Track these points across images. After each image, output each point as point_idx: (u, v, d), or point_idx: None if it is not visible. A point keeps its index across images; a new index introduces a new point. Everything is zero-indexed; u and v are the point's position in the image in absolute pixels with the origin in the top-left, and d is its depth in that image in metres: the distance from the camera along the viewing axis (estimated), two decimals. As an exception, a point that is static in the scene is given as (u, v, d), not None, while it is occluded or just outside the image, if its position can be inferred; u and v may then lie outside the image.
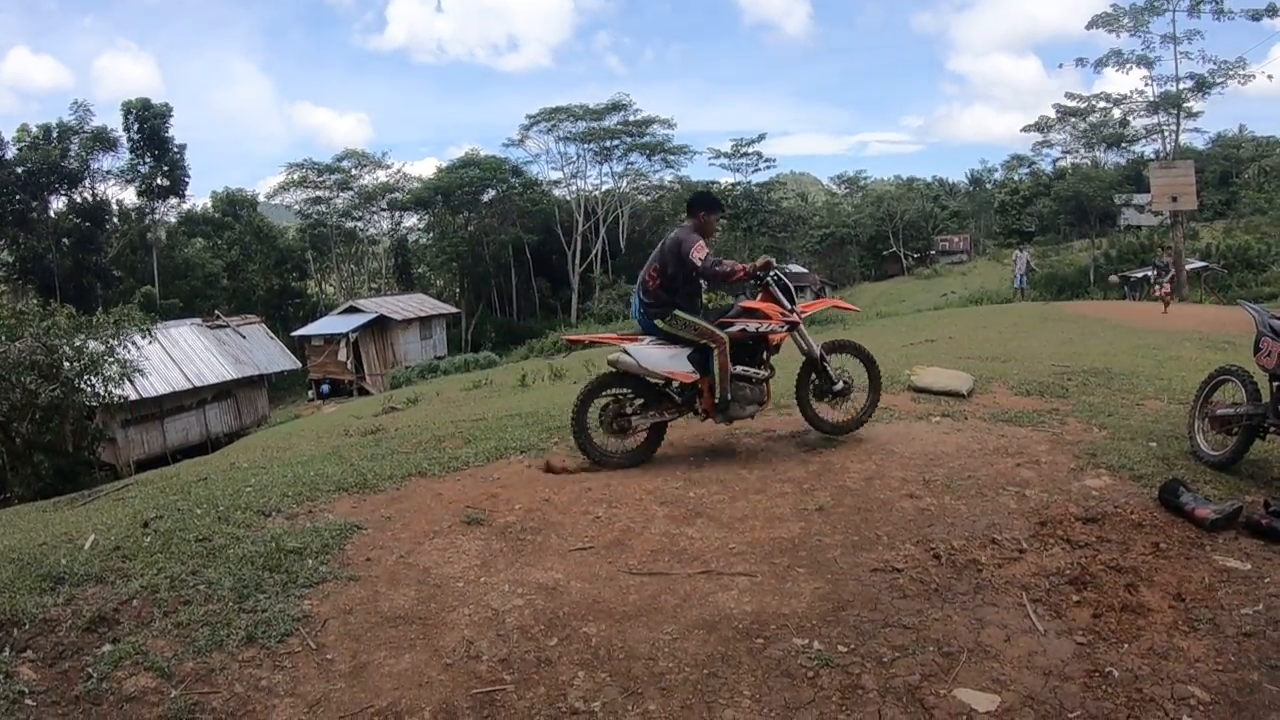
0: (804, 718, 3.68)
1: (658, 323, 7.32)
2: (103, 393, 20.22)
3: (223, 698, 3.82)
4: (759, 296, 7.49)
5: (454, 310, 60.27)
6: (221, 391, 36.63)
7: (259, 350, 40.22)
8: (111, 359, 20.15)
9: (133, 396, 26.56)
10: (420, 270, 76.73)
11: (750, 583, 4.94)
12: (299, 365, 44.49)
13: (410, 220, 76.16)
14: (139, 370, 21.53)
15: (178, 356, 34.79)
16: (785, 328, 7.38)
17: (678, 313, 7.21)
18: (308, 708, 3.79)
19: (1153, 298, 28.89)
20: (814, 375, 7.62)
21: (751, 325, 7.31)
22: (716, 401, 7.27)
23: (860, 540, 5.50)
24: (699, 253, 7.00)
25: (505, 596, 4.81)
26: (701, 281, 7.31)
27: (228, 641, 4.23)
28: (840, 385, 7.59)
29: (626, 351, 7.28)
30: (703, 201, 7.60)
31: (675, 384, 7.37)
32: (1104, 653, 4.15)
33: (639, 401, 7.44)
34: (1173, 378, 10.65)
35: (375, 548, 5.50)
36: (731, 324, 7.30)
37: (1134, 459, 6.87)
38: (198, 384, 34.83)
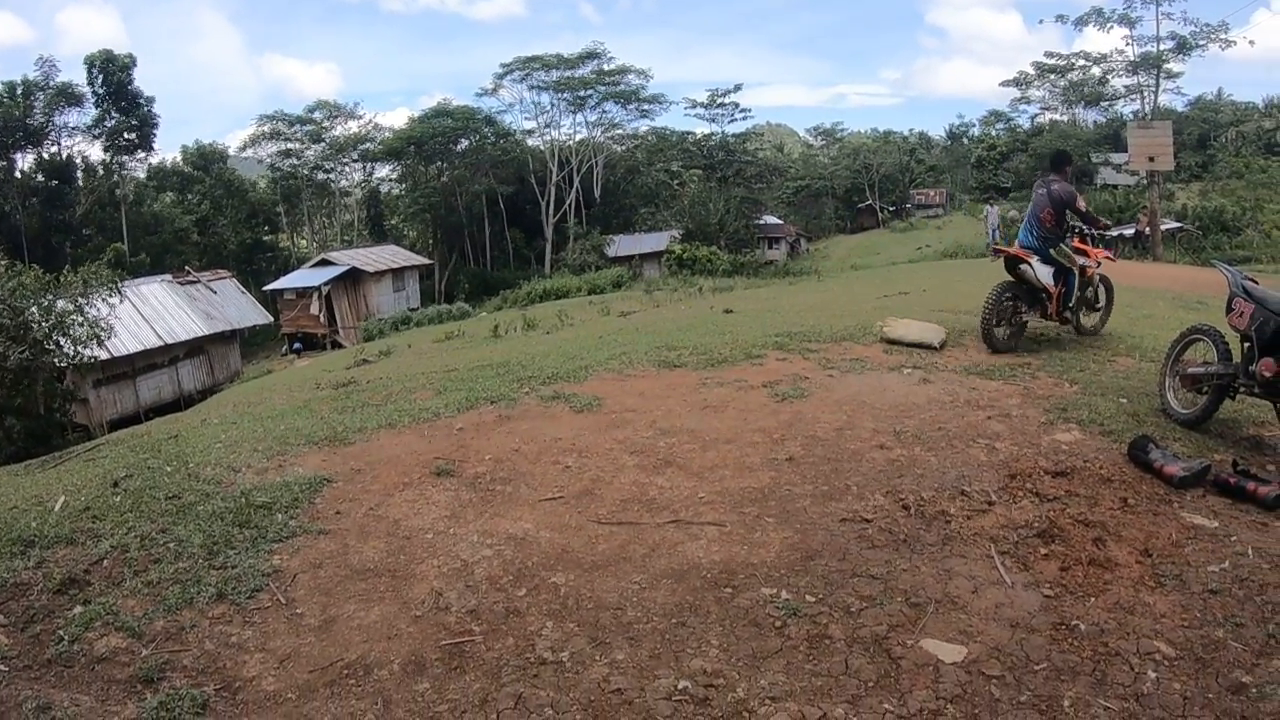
0: (771, 667, 3.69)
1: (1051, 251, 9.67)
2: (72, 353, 19.95)
3: (193, 655, 3.82)
4: (1081, 241, 10.05)
5: (427, 262, 59.63)
6: (194, 348, 36.14)
7: (231, 305, 39.76)
8: (80, 319, 19.88)
9: (104, 356, 26.24)
10: (393, 222, 75.82)
11: (719, 532, 4.95)
12: (271, 320, 44.02)
13: (383, 171, 75.43)
14: (108, 329, 21.22)
15: (148, 314, 34.26)
16: (1097, 264, 9.97)
17: (1062, 245, 9.70)
18: (278, 662, 3.79)
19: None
20: (1088, 289, 10.20)
21: (1086, 260, 9.82)
22: (1066, 309, 9.78)
23: (830, 490, 5.51)
24: (1082, 203, 9.70)
25: (474, 547, 4.81)
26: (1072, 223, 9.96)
27: (198, 599, 4.22)
28: (1100, 302, 10.46)
29: (1030, 265, 9.59)
30: (1067, 159, 10.54)
31: (1045, 293, 9.60)
32: (1070, 606, 4.19)
33: (1021, 304, 9.69)
34: (1144, 335, 10.70)
35: (345, 500, 5.48)
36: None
37: (1104, 415, 6.92)
38: (169, 341, 34.28)
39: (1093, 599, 4.26)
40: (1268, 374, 5.99)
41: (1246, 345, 6.39)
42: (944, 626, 3.99)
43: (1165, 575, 4.48)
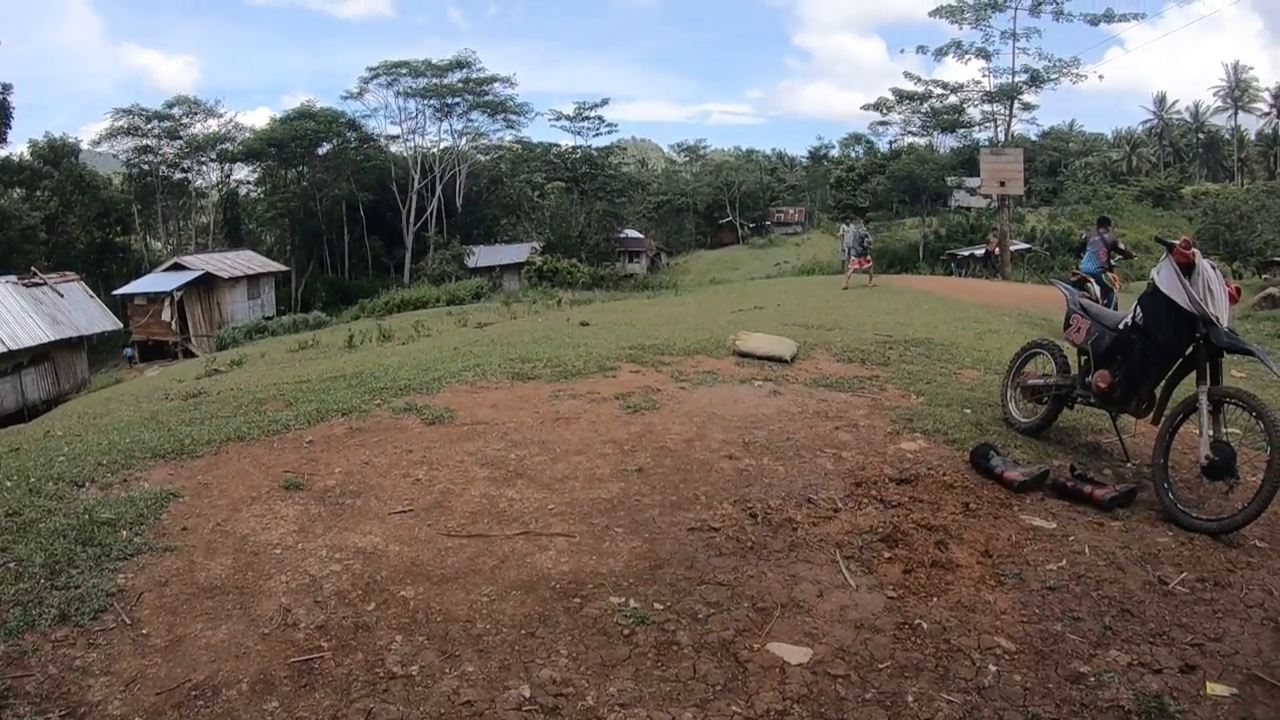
0: (620, 675, 3.74)
1: (1104, 275, 16.49)
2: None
3: (36, 680, 3.66)
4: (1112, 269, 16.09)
5: (284, 268, 58.10)
6: (38, 355, 34.40)
7: (78, 310, 38.05)
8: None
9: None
10: (250, 227, 73.67)
11: (568, 543, 4.98)
12: (120, 326, 42.24)
13: (241, 173, 73.42)
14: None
15: (-10, 318, 32.75)
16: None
17: (1106, 273, 16.80)
18: (124, 685, 3.67)
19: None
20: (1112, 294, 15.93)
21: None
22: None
23: (679, 500, 5.59)
24: (1122, 244, 17.07)
25: (323, 562, 4.73)
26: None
27: (40, 621, 4.04)
28: None
29: (1090, 281, 16.06)
30: (1108, 221, 16.46)
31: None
32: (914, 606, 4.33)
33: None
34: (990, 349, 11.17)
35: (191, 516, 5.33)
36: None
37: (948, 424, 7.21)
38: (12, 347, 32.51)
39: (935, 599, 4.42)
40: (1103, 385, 6.34)
41: (1084, 359, 6.78)
42: (790, 630, 4.09)
43: (1005, 574, 4.69)
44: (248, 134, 68.81)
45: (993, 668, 3.82)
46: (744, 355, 9.84)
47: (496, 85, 69.92)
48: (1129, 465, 6.63)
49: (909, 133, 76.90)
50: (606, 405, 7.83)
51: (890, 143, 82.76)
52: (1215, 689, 3.69)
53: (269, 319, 46.29)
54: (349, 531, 5.15)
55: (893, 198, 77.44)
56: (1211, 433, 5.56)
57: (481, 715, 3.49)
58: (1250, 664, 3.88)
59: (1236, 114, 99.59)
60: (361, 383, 9.13)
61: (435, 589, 4.47)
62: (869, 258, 28.54)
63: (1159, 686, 3.68)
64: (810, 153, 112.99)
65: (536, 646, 3.95)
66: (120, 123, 65.39)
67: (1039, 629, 4.14)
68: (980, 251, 50.44)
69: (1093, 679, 3.74)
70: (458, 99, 68.94)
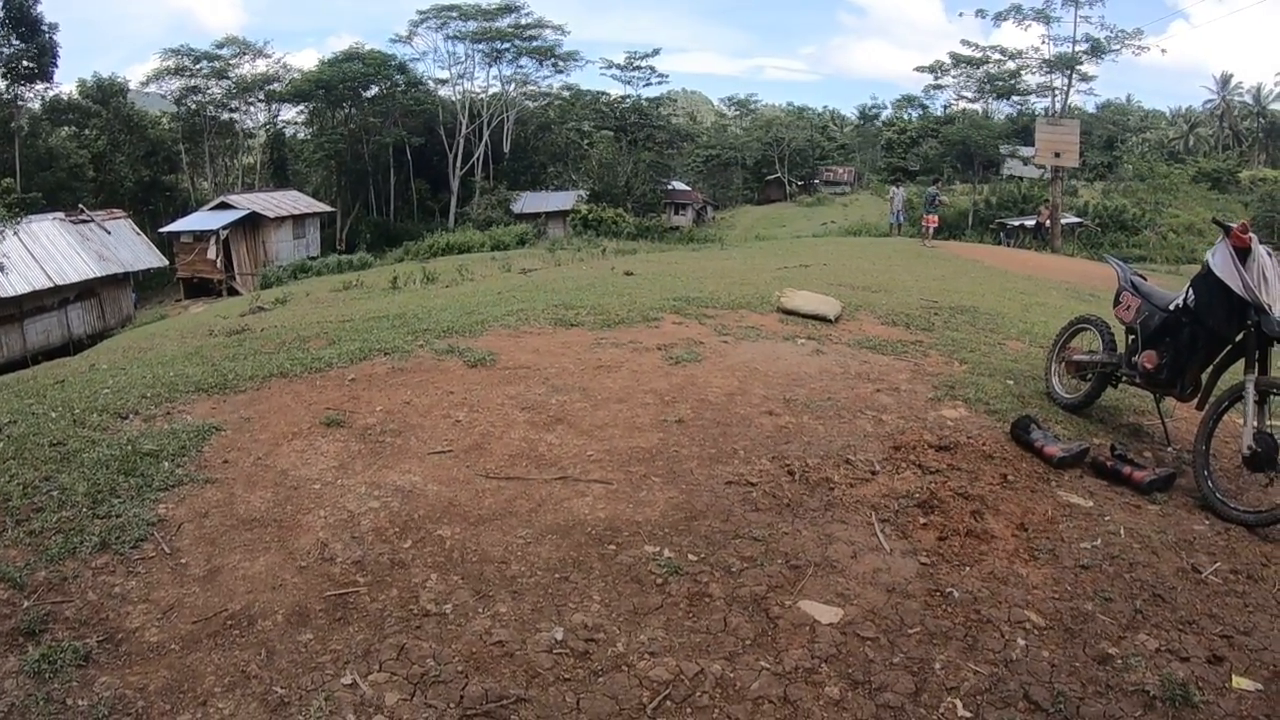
0: (651, 623, 3.76)
1: None
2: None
3: (75, 606, 3.74)
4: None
5: (329, 209, 58.09)
6: (85, 290, 34.83)
7: (124, 247, 38.37)
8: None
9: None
10: (297, 167, 73.32)
11: (605, 490, 5.00)
12: (166, 263, 42.50)
13: (289, 114, 72.99)
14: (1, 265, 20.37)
15: (39, 254, 32.74)
16: None
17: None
18: (161, 613, 3.73)
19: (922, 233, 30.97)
20: None
21: None
22: None
23: (717, 453, 5.58)
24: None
25: (361, 499, 4.78)
26: None
27: (81, 548, 4.12)
28: None
29: None
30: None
31: None
32: (946, 574, 4.31)
33: None
34: (1036, 322, 11.03)
35: (233, 449, 5.40)
36: None
37: (990, 394, 7.12)
38: (59, 283, 32.88)
39: (968, 568, 4.39)
40: (1149, 366, 6.22)
41: (1131, 337, 6.62)
42: (822, 589, 4.09)
43: (1039, 549, 4.64)
44: (296, 75, 68.50)
45: (1021, 641, 3.81)
46: (788, 312, 9.78)
47: (546, 31, 69.41)
48: (1170, 449, 6.52)
49: (963, 97, 75.73)
50: (649, 355, 7.82)
51: (944, 107, 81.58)
52: (1241, 682, 3.65)
53: (314, 259, 46.27)
54: (388, 469, 5.19)
55: (944, 163, 76.48)
56: (1256, 423, 5.42)
57: (513, 655, 3.52)
58: (1278, 660, 3.83)
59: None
60: (404, 323, 9.16)
61: (471, 529, 4.50)
62: (936, 218, 28.89)
63: (1185, 675, 3.64)
64: (861, 112, 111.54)
65: (570, 591, 3.97)
66: (169, 63, 65.20)
67: (1069, 606, 4.11)
68: (1031, 222, 49.77)
69: (1120, 661, 3.72)
70: (507, 44, 68.43)
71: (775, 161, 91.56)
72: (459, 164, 66.44)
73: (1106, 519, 5.07)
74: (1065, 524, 4.97)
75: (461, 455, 5.44)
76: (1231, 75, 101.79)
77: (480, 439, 5.69)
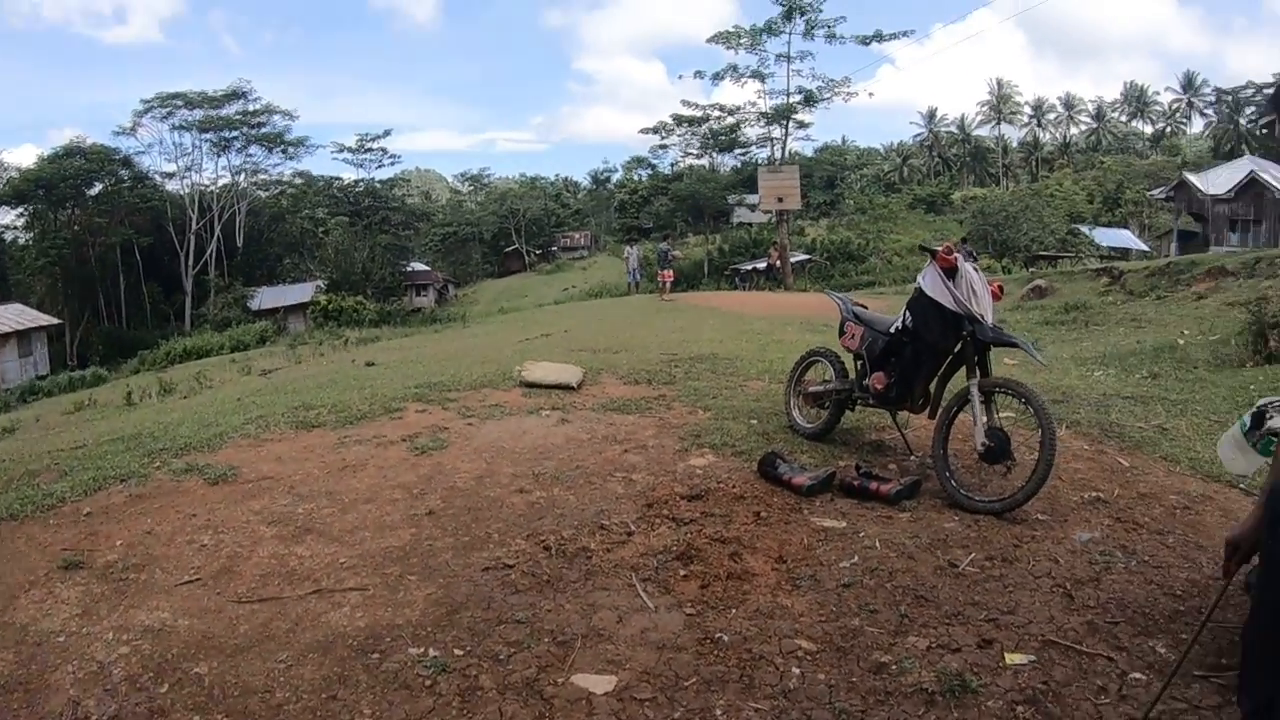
0: (424, 728, 3.67)
1: None
2: None
3: None
4: None
5: (56, 321, 54.54)
6: None
7: None
8: None
9: None
10: (19, 276, 68.60)
11: (362, 597, 4.86)
12: None
13: (7, 217, 68.65)
14: None
15: None
16: None
17: None
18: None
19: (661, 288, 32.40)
20: None
21: None
22: None
23: (471, 540, 5.52)
24: None
25: (110, 646, 4.44)
26: None
27: None
28: None
29: None
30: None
31: None
32: (713, 620, 4.40)
33: None
34: (774, 360, 11.50)
35: (-37, 612, 4.97)
36: None
37: (735, 436, 7.39)
38: None
39: (734, 610, 4.50)
40: (879, 386, 6.72)
41: (860, 363, 7.13)
42: (593, 659, 4.09)
43: (800, 577, 4.82)
44: (13, 174, 64.64)
45: (796, 670, 3.92)
46: (531, 385, 9.80)
47: (275, 117, 68.34)
48: (913, 458, 6.97)
49: (689, 154, 79.18)
50: (394, 448, 7.65)
51: (672, 165, 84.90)
52: (1014, 658, 3.90)
53: (43, 378, 43.65)
54: (135, 609, 4.85)
55: (676, 218, 79.30)
56: (985, 420, 5.97)
57: (285, 789, 3.39)
58: (1044, 630, 4.12)
59: (1000, 125, 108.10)
60: (140, 444, 8.63)
61: (230, 661, 4.26)
62: (670, 272, 30.02)
63: (959, 665, 3.85)
64: (593, 176, 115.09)
65: (339, 709, 3.81)
66: None
67: (837, 626, 4.27)
68: (763, 265, 52.35)
69: (894, 667, 3.88)
70: (235, 132, 67.10)
71: (512, 233, 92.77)
72: (191, 262, 64.13)
73: (861, 535, 5.32)
74: (822, 548, 5.18)
75: (210, 582, 5.14)
76: (937, 109, 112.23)
77: (228, 561, 5.39)
